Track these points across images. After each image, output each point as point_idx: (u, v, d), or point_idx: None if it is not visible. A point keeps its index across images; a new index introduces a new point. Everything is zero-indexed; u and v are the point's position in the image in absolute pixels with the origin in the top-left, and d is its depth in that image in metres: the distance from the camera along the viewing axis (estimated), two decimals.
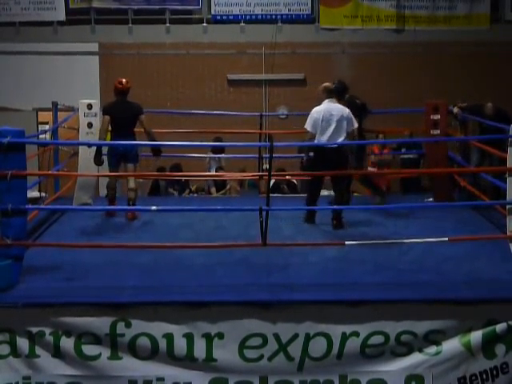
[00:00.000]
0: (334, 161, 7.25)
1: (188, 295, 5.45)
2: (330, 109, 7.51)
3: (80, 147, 8.78)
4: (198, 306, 5.31)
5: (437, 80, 13.86)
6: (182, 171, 11.90)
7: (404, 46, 14.33)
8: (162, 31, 14.40)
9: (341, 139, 7.42)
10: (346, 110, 7.53)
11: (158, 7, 14.38)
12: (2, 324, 5.27)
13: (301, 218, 7.69)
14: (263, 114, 10.71)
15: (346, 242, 6.19)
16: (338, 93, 8.08)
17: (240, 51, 14.39)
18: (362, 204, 9.33)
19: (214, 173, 11.88)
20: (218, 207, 8.18)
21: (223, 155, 12.05)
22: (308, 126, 7.56)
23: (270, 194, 6.16)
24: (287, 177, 11.46)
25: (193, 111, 11.79)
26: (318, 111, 7.54)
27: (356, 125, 7.58)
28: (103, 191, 9.74)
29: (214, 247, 6.31)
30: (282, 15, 14.42)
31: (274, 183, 11.86)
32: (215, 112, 11.85)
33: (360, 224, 7.64)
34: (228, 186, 12.43)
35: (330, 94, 7.62)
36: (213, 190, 12.53)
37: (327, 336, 5.29)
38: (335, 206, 7.68)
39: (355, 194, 13.03)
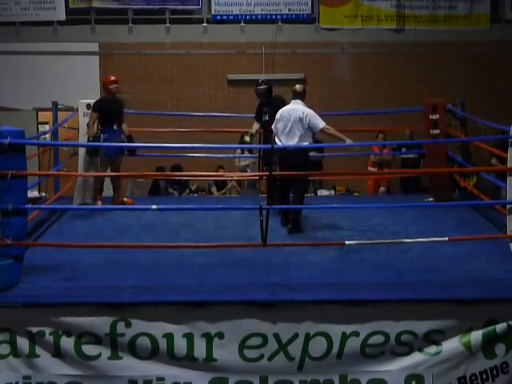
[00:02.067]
0: (293, 162, 7.16)
1: (188, 295, 5.46)
2: (289, 109, 7.51)
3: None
4: (198, 306, 5.31)
5: (437, 80, 13.85)
6: (182, 172, 11.90)
7: (404, 45, 14.32)
8: (162, 31, 14.39)
9: (295, 140, 7.31)
10: (306, 112, 7.37)
11: (158, 7, 14.37)
12: (2, 324, 5.27)
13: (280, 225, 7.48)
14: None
15: (346, 242, 6.19)
16: (262, 94, 8.46)
17: (240, 51, 14.38)
18: (362, 203, 9.34)
19: (214, 173, 11.90)
20: (218, 207, 8.18)
21: (247, 154, 12.09)
22: (273, 127, 7.62)
23: None
24: None
25: (191, 113, 11.81)
26: (278, 112, 7.59)
27: (321, 125, 7.34)
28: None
29: (214, 247, 6.31)
30: (282, 15, 14.41)
31: None
32: (213, 114, 11.86)
33: (359, 223, 7.64)
34: (228, 186, 12.45)
35: (295, 95, 7.61)
36: (213, 189, 12.55)
37: (327, 336, 5.29)
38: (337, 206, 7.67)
39: (355, 194, 13.10)
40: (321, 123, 7.37)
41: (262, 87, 8.59)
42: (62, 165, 9.33)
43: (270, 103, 8.28)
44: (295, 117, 7.38)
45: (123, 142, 8.72)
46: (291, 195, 7.52)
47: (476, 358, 5.33)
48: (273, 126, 7.68)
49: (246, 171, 12.33)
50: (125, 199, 8.85)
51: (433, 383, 5.33)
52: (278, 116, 7.55)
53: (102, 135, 8.42)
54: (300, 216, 7.44)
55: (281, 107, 7.70)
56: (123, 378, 5.32)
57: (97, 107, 8.54)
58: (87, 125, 8.54)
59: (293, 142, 7.33)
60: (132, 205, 8.69)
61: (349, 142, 7.34)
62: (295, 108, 7.49)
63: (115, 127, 8.64)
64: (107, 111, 8.55)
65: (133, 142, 8.66)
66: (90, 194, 8.76)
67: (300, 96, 7.61)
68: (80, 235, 7.14)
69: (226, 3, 14.37)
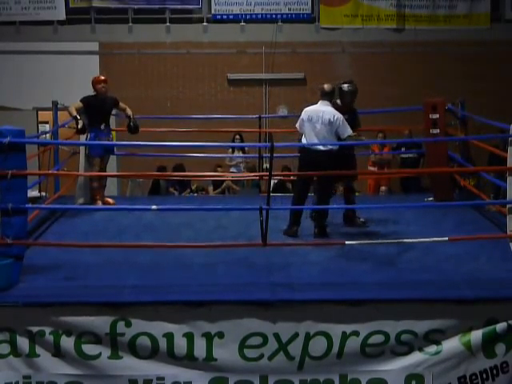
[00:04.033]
0: (318, 165, 6.88)
1: (188, 295, 5.45)
2: (317, 110, 7.15)
3: (80, 146, 8.81)
4: (198, 306, 5.31)
5: (437, 79, 13.86)
6: (184, 171, 11.91)
7: (404, 45, 14.33)
8: (162, 31, 14.40)
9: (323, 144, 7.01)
10: (337, 117, 7.04)
11: (158, 6, 14.38)
12: (2, 323, 5.27)
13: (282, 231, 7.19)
14: (262, 116, 10.68)
15: (346, 242, 6.20)
16: (347, 95, 7.50)
17: (240, 50, 14.39)
18: (362, 203, 9.33)
19: (213, 173, 11.91)
20: (219, 207, 8.18)
21: (239, 154, 12.12)
22: (297, 126, 7.33)
23: (274, 194, 6.11)
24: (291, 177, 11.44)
25: (190, 116, 11.82)
26: (305, 111, 7.23)
27: (347, 133, 7.04)
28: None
29: (215, 247, 6.31)
30: (282, 14, 14.42)
31: (278, 182, 11.89)
32: (214, 116, 11.86)
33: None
34: (223, 185, 12.45)
35: (324, 95, 7.21)
36: (210, 188, 12.58)
37: (327, 335, 5.29)
38: (342, 206, 7.63)
39: (355, 193, 13.08)
40: (348, 131, 7.04)
41: (348, 86, 7.46)
42: (62, 164, 9.33)
43: (351, 111, 7.42)
44: (324, 119, 7.00)
45: (109, 141, 8.85)
46: (315, 197, 7.32)
47: (476, 357, 5.33)
48: (297, 125, 7.30)
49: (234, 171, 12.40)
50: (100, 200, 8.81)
51: (433, 383, 5.33)
52: (305, 117, 7.14)
53: (87, 129, 8.46)
54: (324, 219, 7.19)
55: (355, 117, 7.32)
56: (123, 377, 5.32)
57: (85, 101, 8.53)
58: (67, 109, 8.52)
59: (322, 145, 7.00)
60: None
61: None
62: (325, 110, 7.06)
63: (102, 127, 8.62)
64: (94, 110, 8.53)
65: (134, 122, 8.71)
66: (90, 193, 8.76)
67: (329, 96, 7.18)
68: (80, 235, 7.13)
69: (226, 3, 14.38)
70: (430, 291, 5.48)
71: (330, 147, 6.99)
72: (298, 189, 7.40)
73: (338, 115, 7.07)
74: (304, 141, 7.18)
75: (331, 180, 7.37)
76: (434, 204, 8.69)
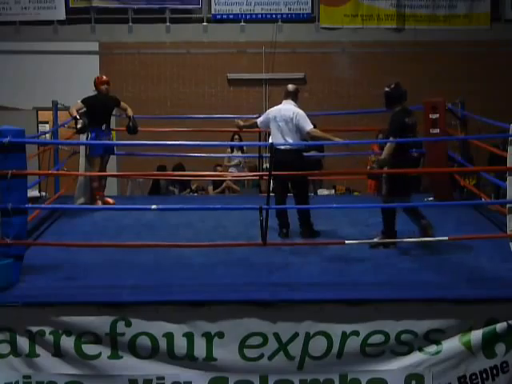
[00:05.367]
0: (289, 164, 6.92)
1: (188, 294, 5.45)
2: (280, 109, 7.25)
3: (80, 146, 8.81)
4: (198, 306, 5.31)
5: (437, 79, 13.86)
6: (184, 171, 11.91)
7: (404, 45, 14.34)
8: (162, 30, 14.41)
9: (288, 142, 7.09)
10: (296, 113, 7.11)
11: (158, 6, 14.39)
12: (2, 323, 5.27)
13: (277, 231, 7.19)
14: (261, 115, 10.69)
15: (346, 242, 6.19)
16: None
17: (240, 50, 14.40)
18: (362, 203, 9.32)
19: (214, 172, 11.92)
20: (218, 206, 8.18)
21: (238, 154, 12.12)
22: (258, 120, 7.47)
23: (274, 193, 6.10)
24: None
25: (190, 116, 11.82)
26: (270, 111, 7.34)
27: (308, 127, 7.07)
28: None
29: (214, 246, 6.31)
30: (282, 14, 14.43)
31: None
32: (214, 116, 11.87)
33: (360, 223, 7.63)
34: (223, 185, 12.46)
35: (287, 95, 7.32)
36: (210, 188, 12.58)
37: (327, 335, 5.29)
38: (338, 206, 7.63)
39: (355, 193, 13.09)
40: (308, 126, 7.09)
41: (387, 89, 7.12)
42: (62, 164, 9.33)
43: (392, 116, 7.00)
44: (286, 117, 7.12)
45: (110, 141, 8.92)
46: (295, 199, 7.30)
47: (476, 357, 5.33)
48: (258, 120, 7.43)
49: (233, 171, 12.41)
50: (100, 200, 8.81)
51: (433, 382, 5.33)
52: (270, 116, 7.26)
53: (87, 129, 8.48)
54: (310, 219, 7.20)
55: (396, 125, 7.00)
56: (123, 377, 5.32)
57: (86, 101, 8.56)
58: (68, 110, 8.54)
59: (290, 145, 7.07)
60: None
61: (337, 140, 7.12)
62: (286, 108, 7.21)
63: (103, 127, 8.63)
64: (96, 110, 8.56)
65: (134, 123, 8.77)
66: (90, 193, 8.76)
67: (292, 96, 7.30)
68: (80, 234, 7.13)
69: (226, 2, 14.38)
70: (429, 291, 5.48)
71: (294, 146, 7.11)
72: (278, 191, 7.32)
73: (298, 111, 7.17)
74: (270, 140, 7.28)
75: (306, 179, 7.53)
76: (434, 204, 8.68)
